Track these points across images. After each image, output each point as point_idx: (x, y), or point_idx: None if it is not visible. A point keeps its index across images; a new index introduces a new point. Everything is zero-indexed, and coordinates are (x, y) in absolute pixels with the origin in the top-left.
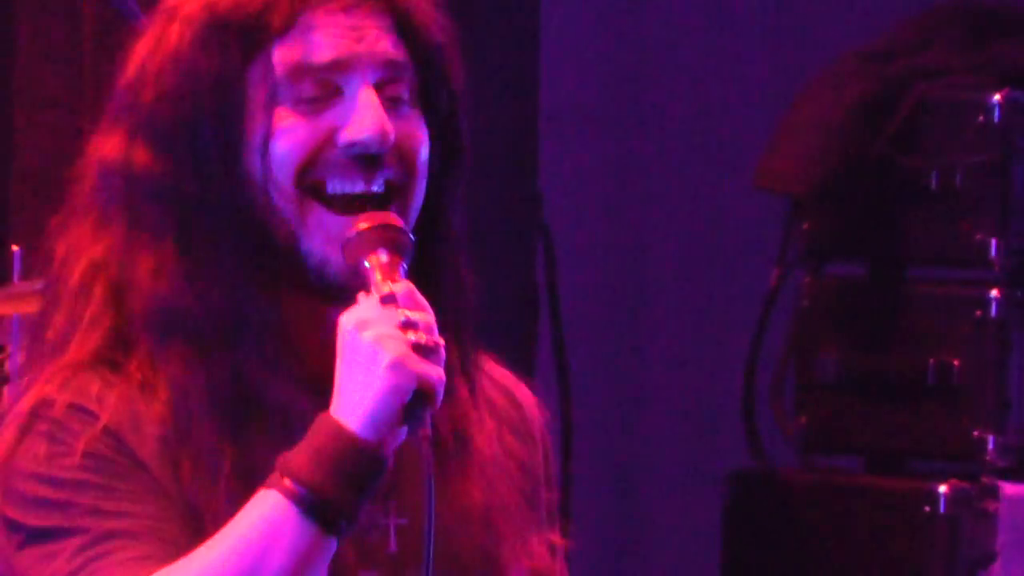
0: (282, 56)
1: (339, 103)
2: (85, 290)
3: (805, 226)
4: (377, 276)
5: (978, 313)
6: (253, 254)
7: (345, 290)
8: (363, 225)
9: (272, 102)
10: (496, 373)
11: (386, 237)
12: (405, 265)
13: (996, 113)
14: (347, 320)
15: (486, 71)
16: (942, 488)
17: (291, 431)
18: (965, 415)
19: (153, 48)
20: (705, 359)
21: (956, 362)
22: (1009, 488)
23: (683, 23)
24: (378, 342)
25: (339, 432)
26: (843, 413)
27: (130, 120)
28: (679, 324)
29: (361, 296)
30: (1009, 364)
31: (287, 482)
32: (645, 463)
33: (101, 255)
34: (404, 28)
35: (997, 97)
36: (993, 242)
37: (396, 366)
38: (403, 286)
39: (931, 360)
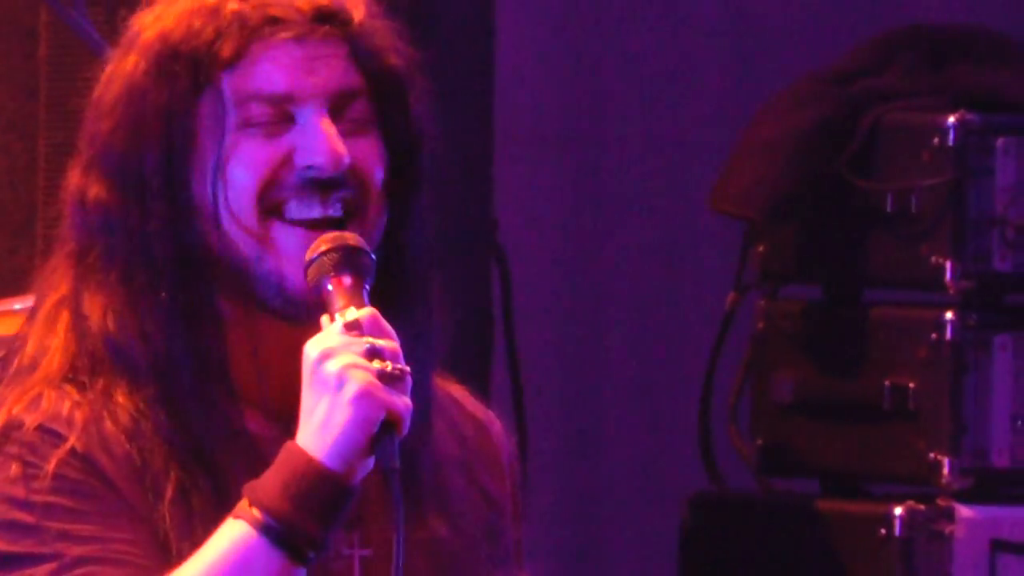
0: (233, 86)
1: (293, 128)
2: (50, 324)
3: (760, 249)
4: (340, 301)
5: (933, 336)
6: (199, 286)
7: (307, 309)
8: (324, 247)
9: (222, 130)
10: (466, 402)
11: (347, 258)
12: (368, 287)
13: (951, 135)
14: (311, 349)
15: (440, 93)
16: (898, 510)
17: (260, 458)
18: (921, 438)
19: (111, 77)
20: (662, 382)
21: (912, 385)
22: (965, 510)
23: (640, 44)
24: (344, 372)
25: (307, 462)
26: (799, 436)
27: (88, 151)
28: (635, 346)
29: (324, 321)
30: (964, 387)
31: (255, 512)
32: (602, 486)
33: (65, 289)
34: (359, 55)
35: (952, 119)
36: (948, 265)
37: (362, 396)
38: (367, 312)
39: (887, 383)
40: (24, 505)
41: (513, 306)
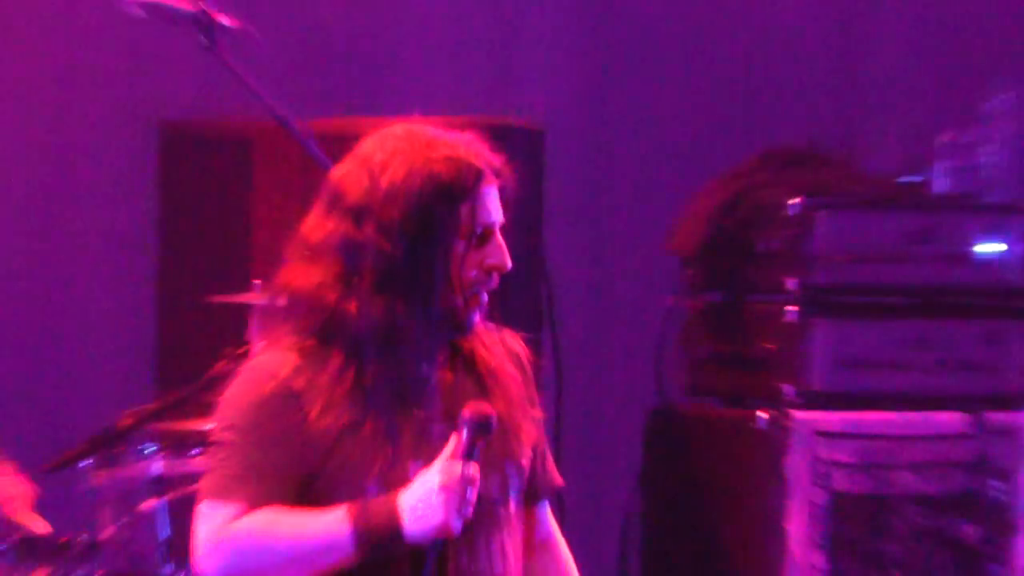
0: (479, 211)
1: (488, 242)
2: (307, 313)
3: (690, 271)
4: (465, 446)
5: (783, 319)
6: (433, 306)
7: (467, 331)
8: (482, 419)
9: (469, 234)
10: (508, 339)
11: (481, 427)
12: (484, 441)
13: (794, 209)
14: (448, 464)
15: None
16: (762, 415)
17: (410, 402)
18: (776, 375)
19: (402, 184)
20: (636, 343)
21: (772, 346)
22: (798, 414)
23: (663, 109)
24: (451, 499)
25: (397, 526)
26: (711, 374)
27: (378, 219)
28: (624, 327)
29: (453, 438)
30: (799, 348)
31: (354, 530)
32: (606, 404)
33: (345, 304)
34: (502, 191)
35: (794, 201)
36: (794, 281)
37: (444, 525)
38: (474, 468)
39: (760, 344)
40: (229, 426)
41: (555, 309)
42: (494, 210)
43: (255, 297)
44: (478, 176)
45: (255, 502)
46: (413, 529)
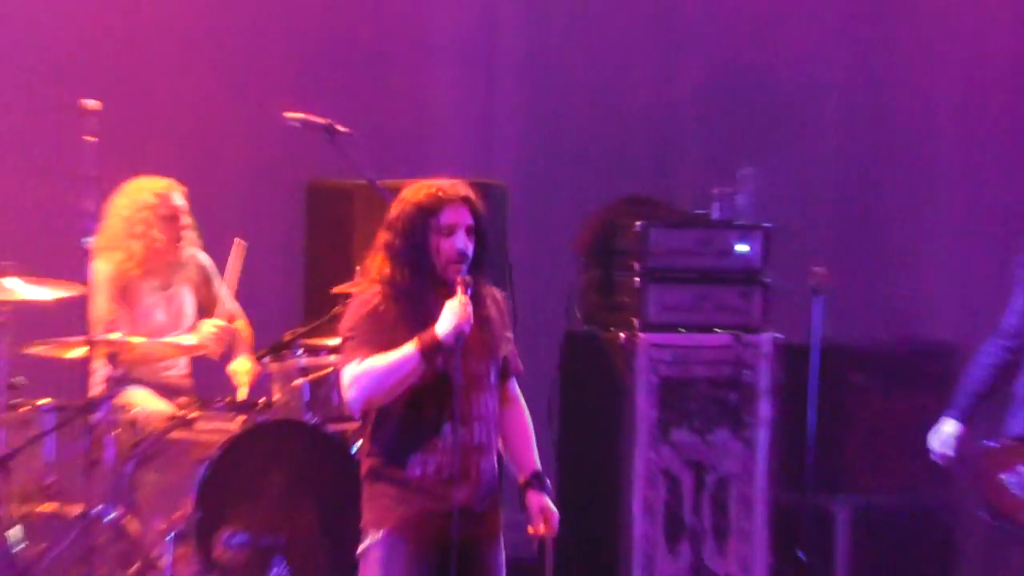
0: (442, 219)
1: (455, 235)
2: (378, 275)
3: (585, 259)
4: (460, 290)
5: (634, 285)
6: (426, 270)
7: (448, 284)
8: (460, 276)
9: (438, 232)
10: (493, 292)
11: (467, 281)
12: (471, 289)
13: (638, 227)
14: (453, 300)
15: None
16: (623, 335)
17: (428, 319)
18: (630, 314)
19: (400, 213)
20: (556, 297)
21: (628, 299)
22: (641, 335)
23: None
24: (457, 313)
25: (436, 337)
26: (597, 313)
27: (395, 228)
28: (548, 291)
29: (457, 294)
30: (643, 300)
31: (419, 345)
32: (540, 330)
33: (388, 272)
34: (472, 211)
35: (639, 223)
36: (638, 265)
37: (460, 325)
38: (467, 299)
39: (621, 298)
40: (354, 326)
41: (515, 287)
42: (457, 218)
43: (355, 285)
44: (440, 200)
45: (367, 356)
46: (444, 335)
